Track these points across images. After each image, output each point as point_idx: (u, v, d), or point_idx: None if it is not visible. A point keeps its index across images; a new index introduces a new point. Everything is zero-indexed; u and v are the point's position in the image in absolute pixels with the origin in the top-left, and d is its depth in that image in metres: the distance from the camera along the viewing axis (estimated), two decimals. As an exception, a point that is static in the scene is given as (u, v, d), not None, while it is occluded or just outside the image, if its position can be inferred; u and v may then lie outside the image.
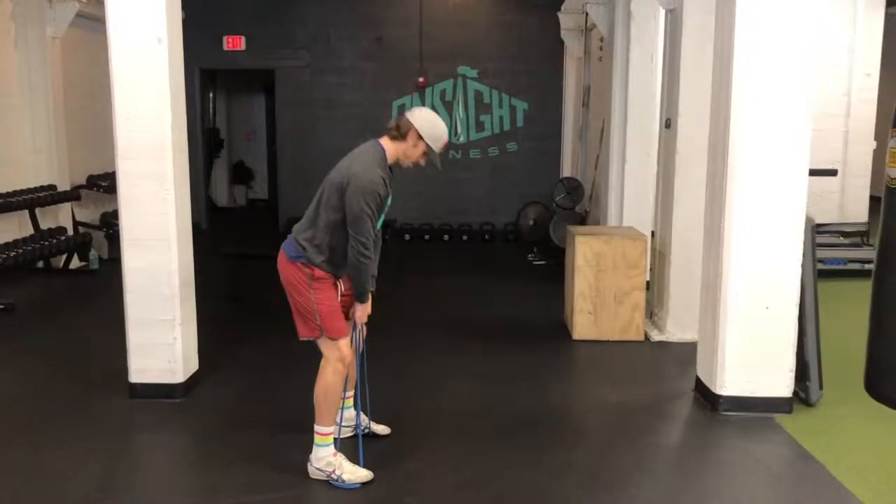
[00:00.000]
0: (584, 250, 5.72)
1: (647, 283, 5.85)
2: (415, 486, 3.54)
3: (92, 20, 8.01)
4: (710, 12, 4.64)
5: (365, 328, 3.72)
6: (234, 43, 10.81)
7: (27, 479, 3.61)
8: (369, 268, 3.51)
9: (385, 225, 3.70)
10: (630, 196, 7.16)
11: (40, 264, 7.76)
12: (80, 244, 8.10)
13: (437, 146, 3.57)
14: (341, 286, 3.60)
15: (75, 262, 8.13)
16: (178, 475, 3.83)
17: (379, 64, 10.84)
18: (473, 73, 10.87)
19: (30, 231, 7.58)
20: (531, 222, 9.90)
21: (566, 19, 9.86)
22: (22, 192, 7.48)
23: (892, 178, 2.47)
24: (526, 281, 8.09)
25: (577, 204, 9.27)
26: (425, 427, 4.20)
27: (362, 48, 10.84)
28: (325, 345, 3.54)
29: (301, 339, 3.61)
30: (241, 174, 13.99)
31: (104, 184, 8.65)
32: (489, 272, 8.66)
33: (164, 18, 4.32)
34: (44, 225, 7.74)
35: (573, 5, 9.50)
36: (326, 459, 3.52)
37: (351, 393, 3.88)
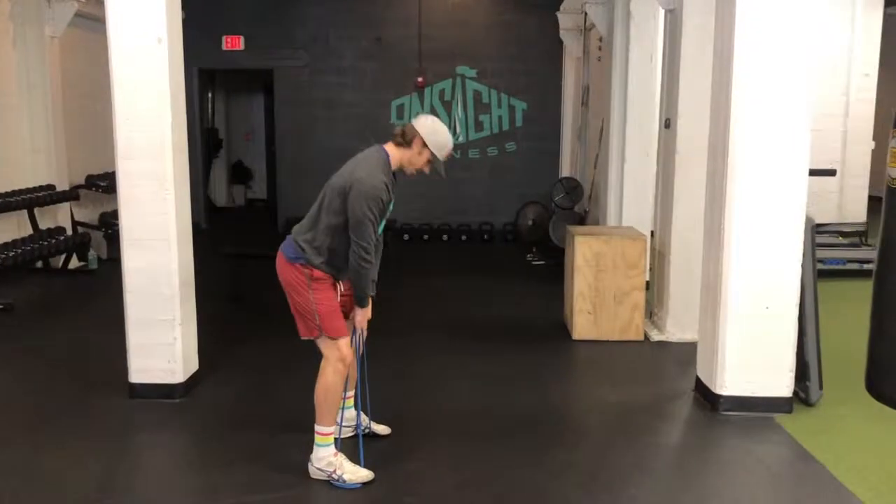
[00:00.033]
0: (584, 250, 5.72)
1: (647, 283, 5.85)
2: (415, 486, 3.54)
3: (90, 20, 8.01)
4: (710, 12, 4.64)
5: (365, 332, 3.72)
6: (233, 43, 10.80)
7: (27, 479, 3.61)
8: (370, 272, 3.51)
9: (386, 228, 3.70)
10: (629, 196, 7.17)
11: (39, 264, 7.75)
12: (78, 244, 8.09)
13: (441, 154, 3.57)
14: (341, 287, 3.61)
15: (74, 262, 8.13)
16: (178, 475, 3.83)
17: (378, 64, 10.84)
18: (472, 72, 10.87)
19: (28, 231, 7.57)
20: (530, 222, 9.90)
21: (565, 19, 9.86)
22: (21, 191, 7.47)
23: (892, 178, 2.47)
24: (525, 281, 8.09)
25: (576, 204, 9.27)
26: (425, 427, 4.20)
27: (361, 48, 10.84)
28: (324, 345, 3.54)
29: (302, 338, 3.61)
30: (239, 174, 13.98)
31: (103, 184, 8.64)
32: (488, 272, 8.66)
33: (164, 18, 4.31)
34: (42, 225, 7.73)
35: (572, 5, 9.50)
36: (327, 459, 3.52)
37: (351, 393, 3.88)
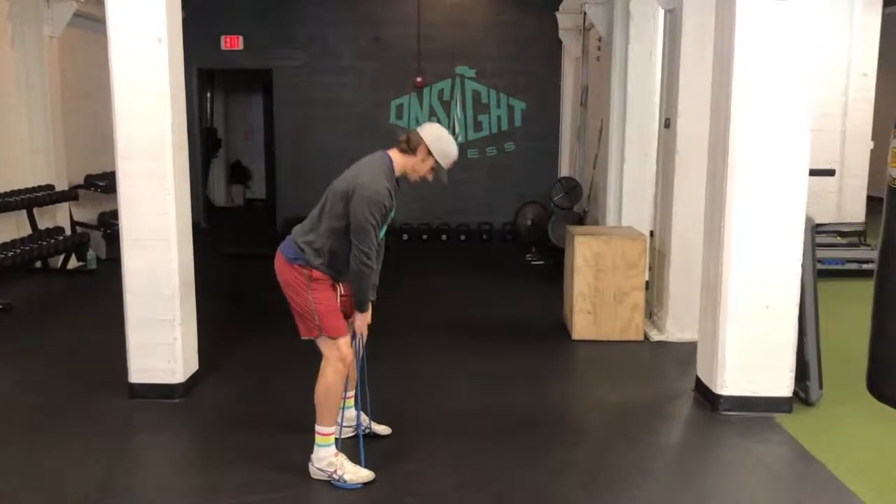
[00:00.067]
0: (584, 250, 5.72)
1: (647, 282, 5.86)
2: (415, 486, 3.54)
3: (89, 20, 8.00)
4: (709, 12, 4.64)
5: (365, 336, 3.72)
6: (232, 42, 10.80)
7: (27, 479, 3.61)
8: (371, 276, 3.52)
9: (387, 233, 3.70)
10: (629, 196, 7.17)
11: (38, 264, 7.74)
12: (77, 244, 8.08)
13: (445, 163, 3.57)
14: (340, 288, 3.60)
15: (73, 262, 8.12)
16: (178, 475, 3.82)
17: (377, 64, 10.84)
18: (471, 72, 10.86)
19: (27, 231, 7.56)
20: (529, 222, 9.90)
21: (564, 19, 9.86)
22: (19, 191, 7.46)
23: (893, 178, 2.47)
24: (524, 281, 8.09)
25: (576, 204, 9.27)
26: (425, 427, 4.20)
27: (360, 48, 10.83)
28: (324, 344, 3.54)
29: (302, 338, 3.61)
30: (238, 174, 13.97)
31: (102, 184, 8.64)
32: (487, 272, 8.66)
33: (164, 18, 4.31)
34: (41, 225, 7.73)
35: (571, 5, 9.49)
36: (328, 459, 3.52)
37: (352, 393, 3.88)
